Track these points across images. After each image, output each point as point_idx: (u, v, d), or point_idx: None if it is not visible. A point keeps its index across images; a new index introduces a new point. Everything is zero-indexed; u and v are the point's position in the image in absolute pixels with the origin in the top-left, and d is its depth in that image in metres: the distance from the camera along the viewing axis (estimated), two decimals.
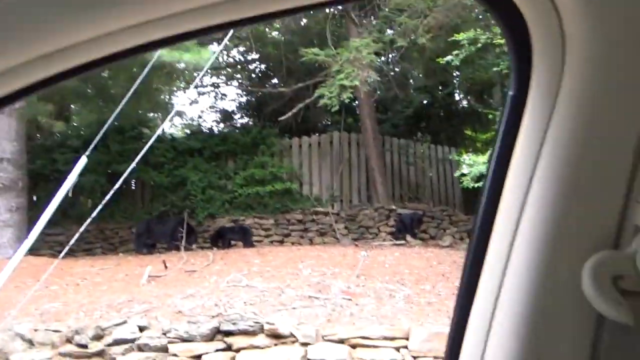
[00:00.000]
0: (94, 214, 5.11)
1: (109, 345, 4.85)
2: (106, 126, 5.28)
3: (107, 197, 5.25)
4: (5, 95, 0.67)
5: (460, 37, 6.48)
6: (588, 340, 0.72)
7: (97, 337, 4.91)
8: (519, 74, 0.76)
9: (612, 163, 0.70)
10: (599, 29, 0.65)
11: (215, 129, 14.89)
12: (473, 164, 6.30)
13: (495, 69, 9.35)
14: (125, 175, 5.52)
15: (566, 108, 0.70)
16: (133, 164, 5.57)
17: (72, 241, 5.20)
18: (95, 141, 5.19)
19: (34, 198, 11.30)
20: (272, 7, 0.66)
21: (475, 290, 0.81)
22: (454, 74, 13.33)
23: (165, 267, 7.70)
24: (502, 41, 6.05)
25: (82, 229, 5.37)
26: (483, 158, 6.14)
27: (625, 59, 0.66)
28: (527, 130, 0.76)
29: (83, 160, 4.81)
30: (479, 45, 6.51)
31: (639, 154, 0.68)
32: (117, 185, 5.33)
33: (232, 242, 9.88)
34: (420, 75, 13.79)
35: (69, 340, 4.98)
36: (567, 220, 0.71)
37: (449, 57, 7.00)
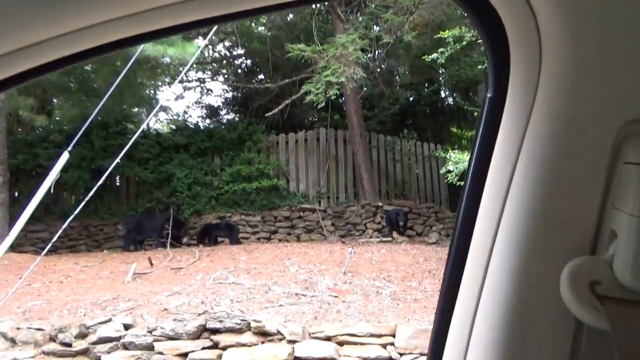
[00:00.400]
0: (77, 210, 5.03)
1: (94, 343, 4.79)
2: (89, 121, 5.21)
3: (91, 193, 5.17)
4: (13, 75, 0.66)
5: (446, 34, 6.51)
6: (567, 344, 0.72)
7: (82, 336, 4.85)
8: (496, 76, 0.76)
9: (588, 167, 0.69)
10: (575, 32, 0.65)
11: (201, 125, 14.77)
12: (458, 161, 6.35)
13: (480, 66, 9.47)
14: (109, 171, 5.43)
15: (543, 111, 0.70)
16: (117, 160, 5.48)
17: (55, 238, 5.12)
18: (78, 136, 5.09)
19: (16, 194, 11.10)
20: (256, 3, 0.66)
21: (457, 292, 0.82)
22: (440, 72, 13.41)
23: (151, 264, 7.63)
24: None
25: (65, 225, 5.30)
26: (468, 155, 6.19)
27: (601, 62, 0.66)
28: (505, 132, 0.76)
29: (65, 156, 4.75)
30: (464, 43, 6.55)
31: (615, 158, 0.68)
32: (100, 181, 5.26)
33: (219, 239, 9.82)
34: (406, 72, 13.84)
35: (52, 339, 4.90)
36: (545, 225, 0.71)
37: (434, 55, 7.03)
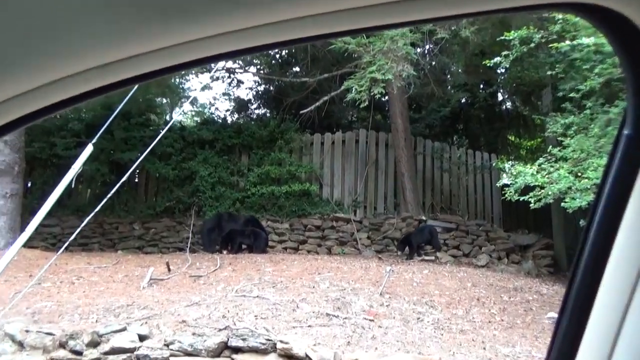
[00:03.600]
0: (97, 208, 5.18)
1: (106, 353, 4.90)
2: (116, 112, 5.34)
3: (113, 190, 5.32)
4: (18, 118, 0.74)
5: (511, 35, 6.38)
6: None
7: (93, 344, 4.97)
8: (637, 110, 0.73)
9: None
10: None
11: (229, 119, 15.00)
12: (518, 174, 6.20)
13: (547, 69, 9.24)
14: (134, 167, 5.59)
15: None
16: (142, 156, 5.62)
17: (72, 238, 5.26)
18: (103, 128, 5.25)
19: (29, 184, 11.52)
20: (280, 37, 0.71)
21: (587, 316, 0.84)
22: (499, 72, 13.19)
23: (169, 269, 7.78)
24: (558, 44, 5.93)
25: (82, 225, 5.46)
26: (531, 168, 6.04)
27: None
28: None
29: (89, 148, 4.88)
30: (532, 44, 6.41)
31: None
32: (124, 178, 5.41)
33: (243, 247, 9.92)
34: (460, 71, 13.67)
35: (62, 345, 5.04)
36: None
37: (497, 59, 6.91)
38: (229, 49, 0.72)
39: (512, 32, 6.39)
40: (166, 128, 5.83)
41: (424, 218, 10.60)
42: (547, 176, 5.68)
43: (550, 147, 6.28)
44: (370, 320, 5.68)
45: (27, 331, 5.17)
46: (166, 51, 0.69)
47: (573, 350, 0.86)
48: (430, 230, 9.84)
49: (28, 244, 9.17)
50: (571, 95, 6.85)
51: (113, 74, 0.71)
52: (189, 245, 9.57)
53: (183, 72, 14.34)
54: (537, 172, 5.78)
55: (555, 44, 5.91)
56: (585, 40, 5.28)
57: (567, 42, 5.65)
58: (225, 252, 9.69)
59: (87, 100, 0.76)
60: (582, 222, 6.05)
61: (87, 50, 0.67)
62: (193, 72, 15.47)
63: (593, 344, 0.84)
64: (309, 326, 5.42)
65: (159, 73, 0.74)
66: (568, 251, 11.32)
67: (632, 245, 0.77)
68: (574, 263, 0.89)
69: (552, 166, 5.84)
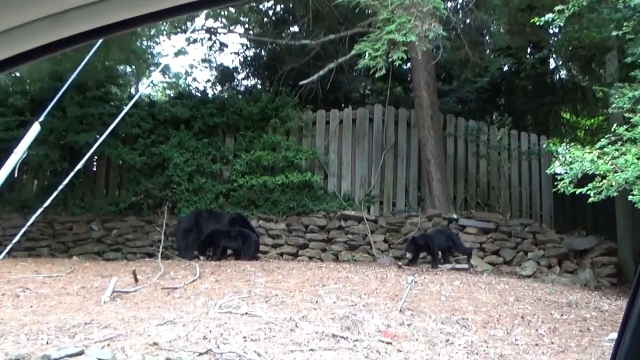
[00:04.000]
0: (46, 204, 5.23)
1: None
2: (67, 84, 5.37)
3: (65, 181, 5.36)
4: None
5: None
6: None
7: None
8: None
9: None
10: None
11: (210, 93, 15.04)
12: (574, 160, 6.20)
13: (612, 28, 9.22)
14: (89, 154, 5.62)
15: None
16: (100, 139, 5.67)
17: (15, 240, 5.32)
18: (52, 103, 5.28)
19: None
20: None
21: None
22: (551, 32, 13.17)
23: (136, 280, 7.87)
24: None
25: (27, 224, 5.49)
26: (591, 152, 6.03)
27: None
28: None
29: (36, 128, 4.91)
30: None
31: None
32: (78, 166, 5.44)
33: (228, 252, 10.00)
34: (502, 31, 13.64)
35: None
36: None
37: (549, 16, 6.91)
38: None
39: None
40: (131, 103, 5.88)
41: (455, 216, 10.64)
42: (610, 162, 5.69)
43: (615, 125, 6.28)
44: (388, 343, 5.74)
45: None
46: None
47: None
48: (449, 235, 9.92)
49: None
50: None
51: (68, 24, 0.74)
52: (160, 250, 9.64)
53: (153, 31, 14.37)
54: (598, 157, 5.79)
55: None
56: None
57: None
58: (204, 258, 9.78)
59: (38, 58, 0.79)
60: None
61: None
62: (164, 32, 15.52)
63: None
64: (311, 350, 5.49)
65: (130, 23, 0.77)
66: (636, 258, 11.35)
67: None
68: (638, 272, 0.91)
69: (617, 150, 5.85)
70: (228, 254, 9.94)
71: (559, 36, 12.73)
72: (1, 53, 0.76)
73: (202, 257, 9.80)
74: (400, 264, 9.65)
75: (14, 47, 0.75)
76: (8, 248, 5.43)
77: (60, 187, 5.26)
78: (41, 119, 4.95)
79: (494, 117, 14.99)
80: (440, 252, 9.72)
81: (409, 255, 9.84)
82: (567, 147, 8.92)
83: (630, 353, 0.91)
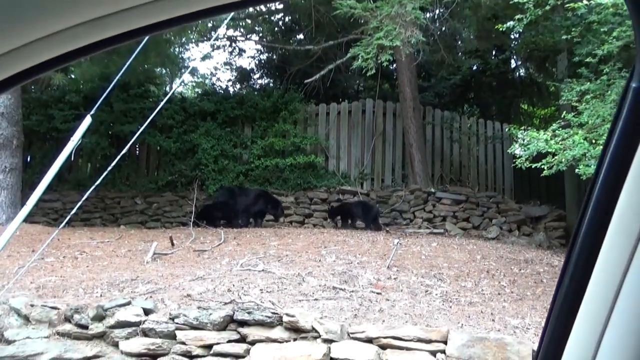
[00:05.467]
0: (97, 182, 5.23)
1: (112, 327, 5.02)
2: (114, 82, 5.34)
3: (113, 163, 5.36)
4: (8, 77, 0.74)
5: None
6: None
7: (99, 318, 5.09)
8: None
9: None
10: None
11: (231, 90, 14.94)
12: (530, 142, 6.15)
13: (563, 33, 9.10)
14: (132, 141, 5.62)
15: None
16: (141, 129, 5.64)
17: (73, 212, 5.33)
18: (101, 99, 5.25)
19: (28, 158, 11.61)
20: None
21: (580, 296, 0.87)
22: (512, 37, 13.00)
23: (172, 244, 7.88)
24: (575, 4, 5.82)
25: (83, 199, 5.52)
26: (545, 134, 5.99)
27: None
28: None
29: (88, 120, 4.90)
30: (547, 7, 6.30)
31: None
32: (124, 151, 5.44)
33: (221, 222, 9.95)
34: (472, 36, 13.49)
35: (67, 319, 5.17)
36: None
37: (510, 23, 6.81)
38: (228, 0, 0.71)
39: None
40: (165, 99, 5.84)
41: (433, 190, 10.62)
42: (561, 142, 5.65)
43: (565, 112, 6.23)
44: (378, 293, 5.76)
45: (32, 305, 5.29)
46: (159, 4, 0.68)
47: (565, 332, 0.89)
48: (365, 205, 9.92)
49: (30, 219, 9.32)
50: (587, 60, 6.76)
51: (102, 29, 0.71)
52: (192, 219, 9.65)
53: (183, 40, 14.24)
54: (551, 138, 5.75)
55: (572, 4, 5.80)
56: (605, 1, 5.18)
57: (584, 1, 5.55)
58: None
59: (77, 59, 0.76)
60: None
61: (75, 4, 0.67)
62: (193, 41, 15.39)
63: (587, 322, 0.86)
64: (315, 299, 5.51)
65: (153, 28, 0.73)
66: None
67: (637, 198, 0.78)
68: (572, 237, 0.90)
69: (566, 133, 5.81)
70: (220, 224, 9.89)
71: (519, 40, 12.57)
72: (21, 65, 0.73)
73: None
74: (387, 229, 9.65)
75: (28, 61, 0.73)
76: (67, 218, 5.45)
77: (109, 168, 5.25)
78: (92, 112, 4.94)
79: (465, 108, 14.85)
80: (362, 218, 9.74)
81: (330, 220, 10.07)
82: (525, 132, 8.85)
83: (562, 309, 0.90)
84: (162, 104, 5.54)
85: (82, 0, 0.66)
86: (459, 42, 14.25)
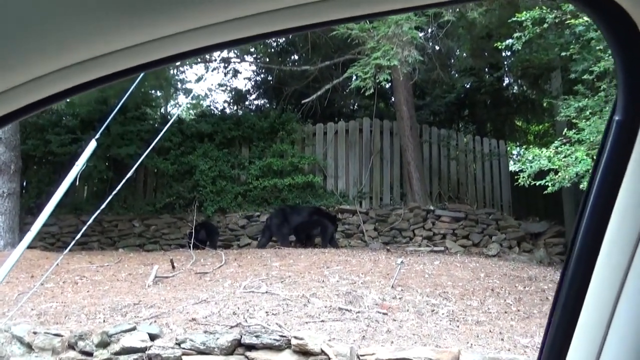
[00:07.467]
0: (102, 207, 5.20)
1: (117, 353, 4.95)
2: (117, 108, 5.35)
3: (115, 190, 5.35)
4: (10, 112, 0.75)
5: (523, 16, 6.38)
6: None
7: (103, 344, 5.02)
8: (628, 95, 0.76)
9: None
10: None
11: (227, 111, 14.98)
12: (533, 158, 6.18)
13: (557, 50, 9.23)
14: (135, 166, 5.62)
15: None
16: (144, 155, 5.64)
17: (77, 238, 5.28)
18: (105, 124, 5.26)
19: (24, 183, 11.53)
20: (281, 25, 0.72)
21: (579, 307, 0.88)
22: (505, 55, 13.18)
23: (173, 267, 7.82)
24: (575, 21, 5.94)
25: (87, 225, 5.47)
26: (547, 151, 6.03)
27: None
28: (638, 164, 0.78)
29: (92, 144, 4.91)
30: (545, 25, 6.40)
31: None
32: (127, 176, 5.42)
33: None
34: (466, 55, 13.66)
35: (71, 346, 5.10)
36: None
37: (509, 41, 6.90)
38: (227, 38, 0.72)
39: (524, 12, 6.37)
40: (169, 123, 5.84)
41: (431, 208, 10.64)
42: (563, 159, 5.69)
43: (565, 129, 6.29)
44: (384, 313, 5.73)
45: (34, 333, 5.22)
46: (162, 41, 0.69)
47: (565, 343, 0.90)
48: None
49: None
50: (584, 77, 6.85)
51: (107, 66, 0.72)
52: (192, 241, 9.58)
53: (178, 63, 14.32)
54: (554, 154, 5.79)
55: (573, 20, 5.90)
56: None
57: (581, 20, 5.65)
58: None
59: (81, 92, 0.78)
60: None
61: (79, 42, 0.68)
62: (187, 63, 15.45)
63: (587, 331, 0.88)
64: (322, 321, 5.47)
65: (155, 64, 0.75)
66: None
67: (624, 230, 0.81)
68: (567, 251, 0.93)
69: (567, 149, 5.86)
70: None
71: (513, 58, 12.75)
72: (25, 100, 0.75)
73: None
74: (388, 248, 9.63)
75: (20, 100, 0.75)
76: (72, 244, 5.38)
77: (114, 192, 5.24)
78: (97, 136, 4.94)
79: (461, 125, 14.97)
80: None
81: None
82: (520, 150, 8.93)
83: (562, 322, 0.92)
84: (165, 128, 5.56)
85: (90, 37, 0.68)
86: (454, 61, 14.42)
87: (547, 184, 5.93)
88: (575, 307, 0.88)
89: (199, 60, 15.03)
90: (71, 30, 0.67)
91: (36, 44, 0.67)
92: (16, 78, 0.70)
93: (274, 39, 14.53)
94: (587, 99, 6.67)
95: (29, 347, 5.11)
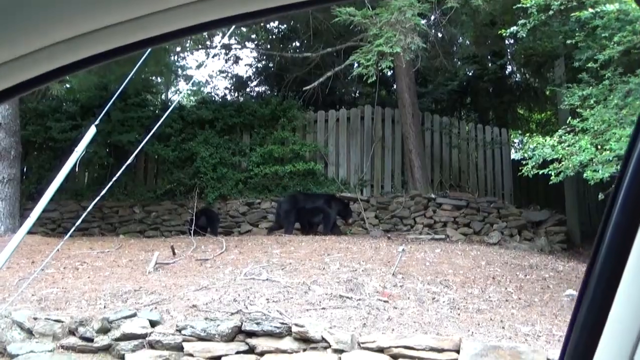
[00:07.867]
0: (102, 194, 5.17)
1: (117, 339, 4.95)
2: (117, 94, 5.29)
3: (116, 176, 5.31)
4: (8, 88, 0.72)
5: (528, 2, 6.28)
6: None
7: (104, 330, 5.01)
8: None
9: None
10: None
11: (228, 98, 14.90)
12: (537, 147, 6.12)
13: (561, 38, 9.14)
14: (135, 152, 5.58)
15: None
16: (144, 141, 5.60)
17: (78, 223, 5.26)
18: (105, 110, 5.21)
19: (24, 169, 11.49)
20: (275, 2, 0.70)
21: (611, 302, 0.84)
22: (508, 43, 13.06)
23: (174, 253, 7.81)
24: (580, 13, 5.82)
25: (87, 210, 5.46)
26: (551, 140, 5.97)
27: None
28: None
29: (92, 131, 4.86)
30: (551, 12, 6.30)
31: None
32: (127, 162, 5.39)
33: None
34: (469, 42, 13.53)
35: (71, 332, 5.09)
36: None
37: (513, 28, 6.81)
38: (230, 13, 0.69)
39: None
40: (170, 110, 5.79)
41: (433, 196, 10.60)
42: (567, 148, 5.64)
43: (570, 118, 6.21)
44: (385, 301, 5.71)
45: (35, 318, 5.21)
46: (160, 15, 0.67)
47: (593, 343, 0.86)
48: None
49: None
50: (588, 65, 6.77)
51: (102, 41, 0.69)
52: (192, 228, 9.56)
53: (179, 49, 14.21)
54: (558, 143, 5.73)
55: (578, 13, 5.81)
56: (609, 7, 5.19)
57: (590, 10, 5.56)
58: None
59: (77, 70, 0.75)
60: (601, 196, 6.01)
61: (76, 15, 0.65)
62: (188, 49, 15.33)
63: (616, 330, 0.84)
64: (323, 308, 5.46)
65: (155, 40, 0.72)
66: (581, 227, 11.36)
67: None
68: (597, 239, 0.89)
69: (572, 138, 5.80)
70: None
71: (516, 46, 12.64)
72: (23, 75, 0.72)
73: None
74: (389, 236, 9.62)
75: (35, 69, 0.72)
76: (72, 230, 5.36)
77: (115, 178, 5.21)
78: (97, 122, 4.89)
79: (463, 113, 14.90)
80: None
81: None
82: (523, 138, 8.86)
83: (589, 315, 0.88)
84: (166, 114, 5.52)
85: (87, 10, 0.65)
86: (457, 48, 14.29)
87: (550, 172, 5.88)
88: (604, 305, 0.85)
89: (200, 46, 14.94)
90: (68, 3, 0.64)
91: (36, 14, 0.64)
92: (16, 50, 0.67)
93: (275, 24, 14.43)
94: (591, 88, 6.60)
95: (30, 332, 5.10)
